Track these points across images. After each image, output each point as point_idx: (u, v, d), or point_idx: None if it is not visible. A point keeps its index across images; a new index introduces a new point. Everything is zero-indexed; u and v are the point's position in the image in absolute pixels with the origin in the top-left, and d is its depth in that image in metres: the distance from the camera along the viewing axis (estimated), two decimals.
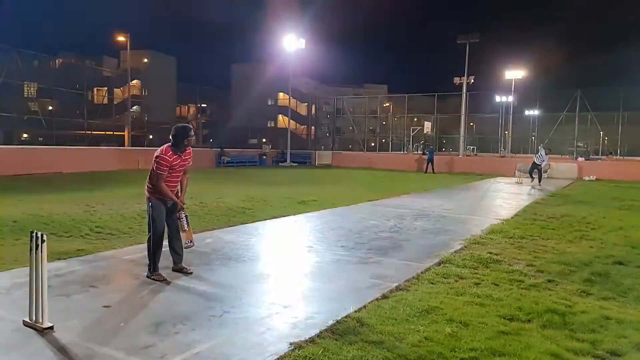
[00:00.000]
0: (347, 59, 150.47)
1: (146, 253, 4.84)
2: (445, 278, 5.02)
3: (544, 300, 4.31)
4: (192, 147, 4.92)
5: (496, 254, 6.13)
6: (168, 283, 4.66)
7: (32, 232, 3.48)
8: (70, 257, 5.50)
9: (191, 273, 4.97)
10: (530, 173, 19.13)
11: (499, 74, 40.85)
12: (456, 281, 4.93)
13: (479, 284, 4.84)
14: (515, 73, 39.26)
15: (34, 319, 3.44)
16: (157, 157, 4.64)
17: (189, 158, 4.89)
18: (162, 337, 3.37)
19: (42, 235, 3.43)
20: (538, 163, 18.79)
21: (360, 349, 3.21)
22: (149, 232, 4.80)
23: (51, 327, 3.40)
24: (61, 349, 3.14)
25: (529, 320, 3.85)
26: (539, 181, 18.77)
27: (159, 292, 4.41)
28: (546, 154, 19.22)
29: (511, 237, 7.34)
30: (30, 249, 3.46)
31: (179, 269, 5.00)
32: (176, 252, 5.00)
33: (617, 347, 3.37)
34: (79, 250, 5.88)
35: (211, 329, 3.54)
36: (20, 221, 7.69)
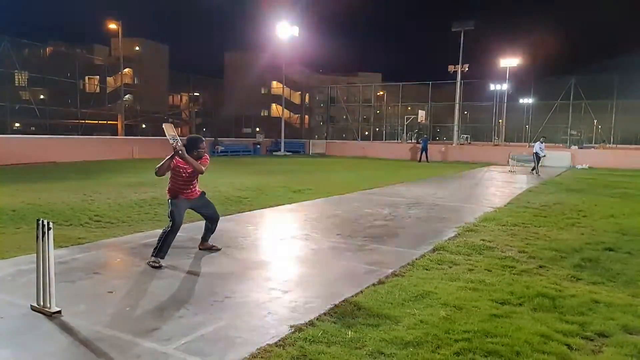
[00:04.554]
0: (341, 47, 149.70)
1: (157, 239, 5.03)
2: (439, 264, 5.15)
3: (535, 285, 4.44)
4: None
5: (489, 241, 6.27)
6: (174, 269, 4.78)
7: (38, 220, 3.57)
8: (72, 245, 5.59)
9: (220, 249, 5.56)
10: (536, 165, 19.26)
11: (493, 61, 41.11)
12: (450, 267, 5.06)
13: (472, 269, 4.98)
14: (510, 61, 39.41)
15: (42, 304, 3.53)
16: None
17: (204, 163, 5.20)
18: (167, 321, 3.48)
19: (48, 223, 3.52)
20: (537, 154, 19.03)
21: (357, 331, 3.33)
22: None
23: (59, 312, 3.50)
24: (70, 332, 3.24)
25: (520, 304, 3.98)
26: (536, 169, 18.95)
27: (161, 278, 4.52)
28: (542, 142, 19.42)
29: (504, 225, 7.49)
30: (37, 237, 3.54)
31: (208, 247, 5.53)
32: (208, 231, 5.52)
33: (605, 328, 3.50)
34: (79, 238, 5.96)
35: (214, 313, 3.66)
36: (20, 210, 7.74)
